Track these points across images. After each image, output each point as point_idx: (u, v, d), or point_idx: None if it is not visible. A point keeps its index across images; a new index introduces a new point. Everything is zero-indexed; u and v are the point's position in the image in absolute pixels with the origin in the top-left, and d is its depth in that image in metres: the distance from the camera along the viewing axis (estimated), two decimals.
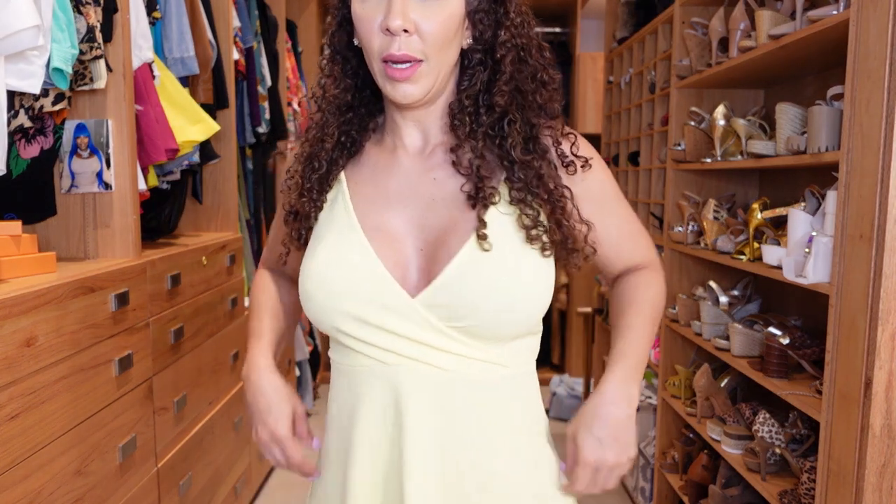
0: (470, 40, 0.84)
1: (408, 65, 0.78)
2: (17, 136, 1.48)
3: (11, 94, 1.37)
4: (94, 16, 1.50)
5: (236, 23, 2.52)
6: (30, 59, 1.33)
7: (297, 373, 3.26)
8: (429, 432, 0.81)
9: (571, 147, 0.86)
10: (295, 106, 3.28)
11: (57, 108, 1.47)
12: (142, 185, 1.73)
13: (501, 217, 0.82)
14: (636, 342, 0.88)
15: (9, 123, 1.38)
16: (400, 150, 0.88)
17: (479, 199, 0.81)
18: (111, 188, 1.64)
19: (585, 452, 0.82)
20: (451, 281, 0.79)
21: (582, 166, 0.86)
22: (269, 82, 2.84)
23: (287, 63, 3.20)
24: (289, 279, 1.03)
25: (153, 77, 1.82)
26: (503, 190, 0.83)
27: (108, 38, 1.57)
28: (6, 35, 1.25)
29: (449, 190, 0.84)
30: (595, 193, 0.88)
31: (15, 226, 1.36)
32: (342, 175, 0.90)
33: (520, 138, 0.83)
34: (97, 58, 1.52)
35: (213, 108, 2.27)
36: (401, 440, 0.81)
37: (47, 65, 1.36)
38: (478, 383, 0.83)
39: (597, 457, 0.82)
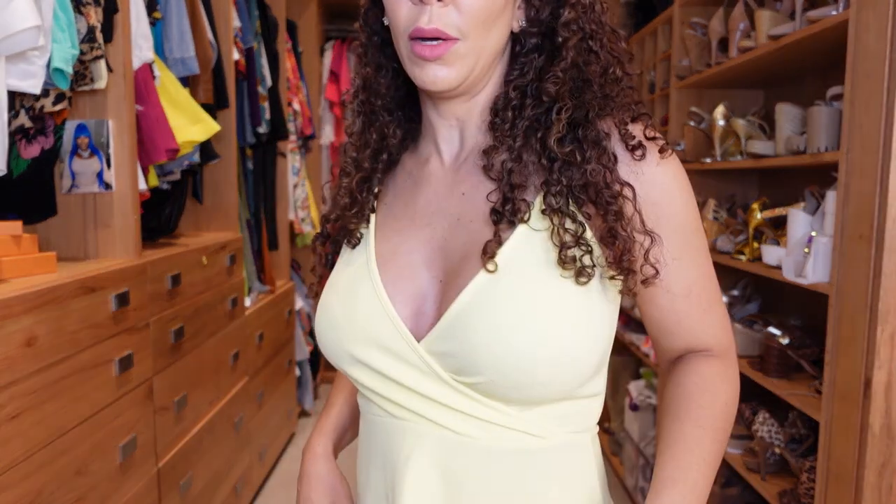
0: (523, 22, 0.67)
1: (438, 41, 0.62)
2: (18, 136, 1.48)
3: (12, 95, 1.37)
4: (95, 16, 1.50)
5: (236, 23, 2.52)
6: (30, 59, 1.33)
7: (298, 373, 3.26)
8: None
9: (646, 129, 0.66)
10: (295, 106, 3.28)
11: (57, 108, 1.47)
12: (142, 186, 1.73)
13: (531, 236, 0.63)
14: (694, 466, 0.63)
15: (9, 123, 1.39)
16: (433, 160, 0.72)
17: (503, 213, 0.64)
18: (111, 188, 1.64)
19: None
20: (454, 324, 0.62)
21: (660, 152, 0.65)
22: (269, 82, 2.84)
23: (287, 63, 3.20)
24: None
25: (153, 77, 1.82)
26: (539, 199, 0.65)
27: (108, 38, 1.57)
28: (7, 35, 1.25)
29: (478, 205, 0.67)
30: (662, 204, 0.65)
31: (15, 226, 1.37)
32: (375, 190, 0.76)
33: (564, 126, 0.64)
34: (98, 58, 1.52)
35: (214, 108, 2.27)
36: None
37: (48, 65, 1.37)
38: (497, 454, 0.65)
39: None
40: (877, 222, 1.31)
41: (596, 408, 0.70)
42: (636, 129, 0.65)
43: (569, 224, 0.62)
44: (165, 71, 1.96)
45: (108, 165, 1.63)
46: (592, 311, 0.62)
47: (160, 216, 2.07)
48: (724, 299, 2.15)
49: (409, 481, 0.66)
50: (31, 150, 1.51)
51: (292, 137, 3.25)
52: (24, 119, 1.42)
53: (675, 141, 2.35)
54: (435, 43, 0.62)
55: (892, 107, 1.27)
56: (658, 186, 0.64)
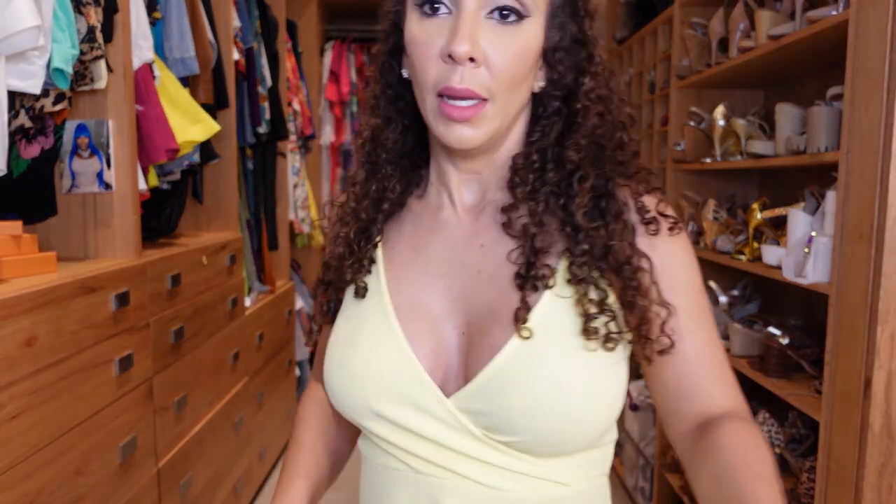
0: (543, 83, 0.69)
1: (470, 102, 0.63)
2: (18, 136, 1.48)
3: (12, 95, 1.37)
4: (95, 16, 1.50)
5: (236, 23, 2.52)
6: (30, 59, 1.33)
7: (298, 373, 3.26)
8: None
9: (658, 204, 0.68)
10: (295, 106, 3.28)
11: (57, 108, 1.47)
12: (142, 186, 1.73)
13: (557, 302, 0.65)
14: None
15: (9, 124, 1.39)
16: (447, 209, 0.73)
17: (528, 278, 0.65)
18: (111, 188, 1.64)
19: None
20: (488, 386, 0.63)
21: (670, 228, 0.67)
22: (269, 82, 2.84)
23: (287, 63, 3.20)
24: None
25: (153, 77, 1.82)
26: (562, 265, 0.66)
27: (108, 38, 1.57)
28: (7, 35, 1.25)
29: (498, 261, 0.68)
30: (675, 275, 0.67)
31: (15, 226, 1.37)
32: (375, 240, 0.76)
33: (588, 198, 0.66)
34: (98, 58, 1.52)
35: (214, 108, 2.27)
36: None
37: (48, 65, 1.37)
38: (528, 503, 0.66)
39: None
40: (877, 222, 1.31)
41: (612, 451, 0.73)
42: (650, 202, 0.68)
43: (593, 293, 0.65)
44: (165, 71, 1.96)
45: (108, 165, 1.63)
46: (615, 371, 0.65)
47: (160, 216, 2.07)
48: (724, 299, 2.15)
49: None
50: (31, 150, 1.51)
51: (292, 137, 3.25)
52: (24, 119, 1.42)
53: (675, 141, 2.35)
54: (465, 104, 0.63)
55: (892, 107, 1.27)
56: (671, 258, 0.67)
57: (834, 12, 1.49)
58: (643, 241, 0.66)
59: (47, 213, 1.61)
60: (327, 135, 3.83)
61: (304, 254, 3.78)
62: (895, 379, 1.33)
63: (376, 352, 0.68)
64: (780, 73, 2.07)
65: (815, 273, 1.53)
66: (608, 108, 0.69)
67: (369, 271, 0.74)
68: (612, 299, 0.65)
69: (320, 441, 0.79)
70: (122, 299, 1.51)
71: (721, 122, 2.09)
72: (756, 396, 2.09)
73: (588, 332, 0.63)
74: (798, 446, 1.79)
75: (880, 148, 1.30)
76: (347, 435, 0.82)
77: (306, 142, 3.51)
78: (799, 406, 1.61)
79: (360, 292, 0.73)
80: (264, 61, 2.81)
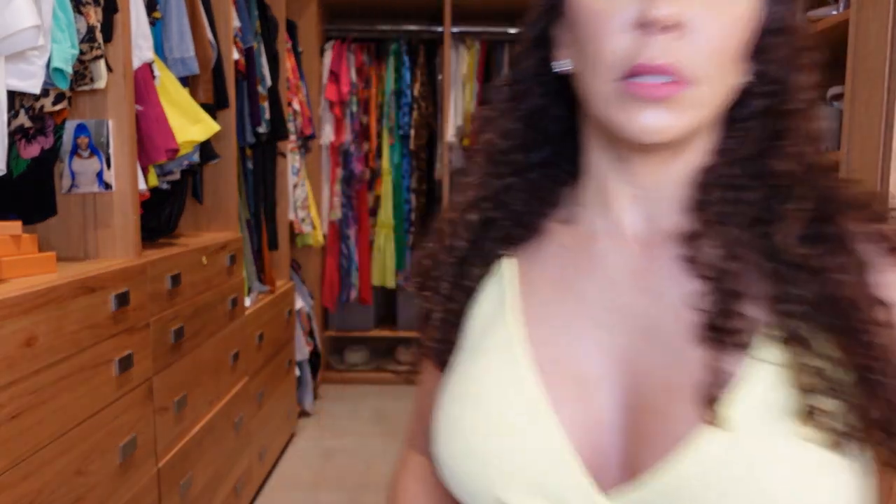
0: (749, 77, 0.53)
1: (668, 78, 0.47)
2: (18, 136, 1.48)
3: (12, 95, 1.37)
4: (95, 16, 1.50)
5: (236, 23, 2.52)
6: (30, 59, 1.33)
7: (298, 373, 3.26)
8: None
9: None
10: (295, 106, 3.28)
11: (57, 108, 1.47)
12: (142, 185, 1.73)
13: (760, 371, 0.46)
14: None
15: (9, 123, 1.38)
16: (604, 237, 0.55)
17: (723, 333, 0.47)
18: (111, 188, 1.64)
19: None
20: (671, 490, 0.45)
21: None
22: (269, 82, 2.84)
23: (287, 63, 3.20)
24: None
25: (153, 77, 1.82)
26: (765, 317, 0.48)
27: (108, 38, 1.57)
28: (6, 35, 1.25)
29: (678, 311, 0.51)
30: None
31: (15, 226, 1.36)
32: (504, 265, 0.59)
33: (800, 225, 0.48)
34: (97, 58, 1.52)
35: (214, 108, 2.27)
36: None
37: (47, 65, 1.37)
38: None
39: None
40: None
41: None
42: (890, 231, 0.50)
43: (813, 358, 0.45)
44: (165, 71, 1.96)
45: (108, 165, 1.63)
46: (848, 481, 0.44)
47: (160, 216, 2.07)
48: None
49: None
50: (31, 150, 1.51)
51: (292, 137, 3.25)
52: (23, 119, 1.42)
53: None
54: (660, 80, 0.47)
55: (892, 107, 1.27)
56: None
57: (834, 12, 1.49)
58: (885, 284, 0.47)
59: (47, 213, 1.61)
60: (327, 135, 3.83)
61: (304, 254, 3.78)
62: None
63: (509, 424, 0.51)
64: None
65: None
66: (814, 115, 0.53)
67: (485, 298, 0.58)
68: (840, 372, 0.45)
69: None
70: (122, 299, 1.51)
71: None
72: None
73: (807, 414, 0.44)
74: None
75: (880, 148, 1.30)
76: None
77: (306, 142, 3.51)
78: None
79: (480, 325, 0.56)
80: (264, 61, 2.81)
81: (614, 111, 0.49)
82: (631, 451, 0.48)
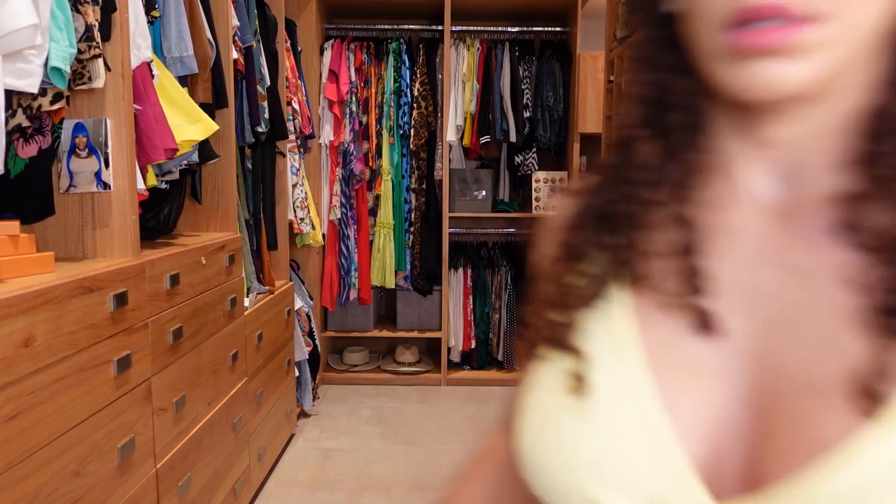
0: None
1: (780, 21, 0.37)
2: (15, 135, 1.48)
3: (9, 94, 1.37)
4: (93, 15, 1.50)
5: (235, 22, 2.52)
6: (28, 58, 1.32)
7: (297, 373, 3.26)
8: None
9: None
10: (294, 105, 3.27)
11: (55, 107, 1.46)
12: (140, 185, 1.72)
13: None
14: None
15: (7, 123, 1.38)
16: (730, 206, 0.46)
17: (892, 321, 0.38)
18: (110, 188, 1.63)
19: None
20: (822, 497, 0.36)
21: None
22: (268, 82, 2.83)
23: (286, 62, 3.20)
24: None
25: (152, 76, 1.81)
26: None
27: (106, 37, 1.57)
28: (4, 34, 1.24)
29: (829, 291, 0.41)
30: None
31: (13, 226, 1.36)
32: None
33: None
34: (95, 57, 1.51)
35: (212, 107, 2.26)
36: None
37: (45, 64, 1.36)
38: None
39: None
40: None
41: None
42: None
43: None
44: (164, 70, 1.95)
45: (107, 165, 1.62)
46: None
47: (159, 216, 2.06)
48: None
49: None
50: (29, 150, 1.50)
51: (291, 137, 3.24)
52: (21, 118, 1.41)
53: None
54: (773, 24, 0.38)
55: None
56: None
57: None
58: None
59: (45, 212, 1.60)
60: (326, 134, 3.83)
61: (303, 254, 3.77)
62: None
63: (607, 418, 0.44)
64: None
65: None
66: None
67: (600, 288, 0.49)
68: None
69: None
70: (121, 299, 1.50)
71: None
72: None
73: None
74: None
75: None
76: None
77: (305, 141, 3.51)
78: None
79: (592, 316, 0.47)
80: (263, 60, 2.81)
81: (721, 67, 0.41)
82: (755, 458, 0.40)
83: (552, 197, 0.58)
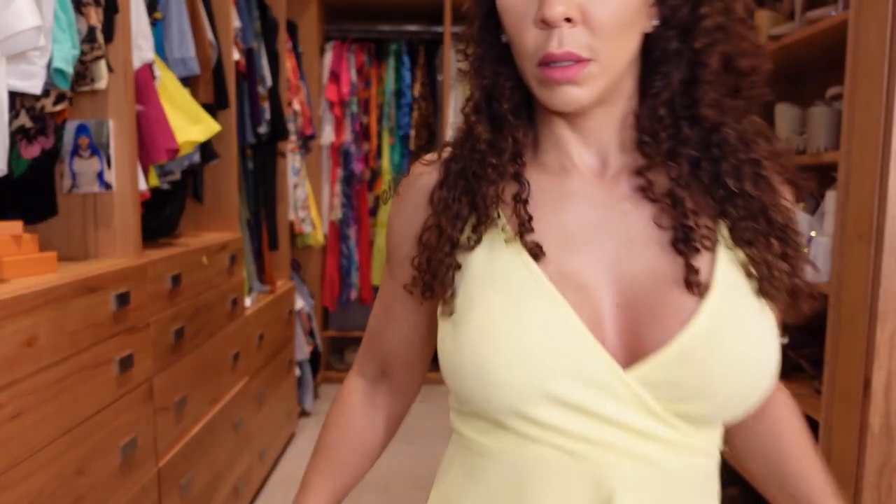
0: (657, 21, 0.61)
1: (570, 62, 0.58)
2: (19, 136, 1.49)
3: (13, 95, 1.37)
4: (95, 16, 1.51)
5: (237, 23, 2.53)
6: (31, 59, 1.33)
7: (298, 373, 3.26)
8: None
9: (793, 168, 0.66)
10: (295, 106, 3.28)
11: (58, 108, 1.47)
12: (142, 186, 1.73)
13: (729, 264, 0.62)
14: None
15: (10, 124, 1.39)
16: (573, 174, 0.66)
17: (691, 240, 0.61)
18: (112, 188, 1.64)
19: None
20: (686, 353, 0.58)
21: (800, 186, 0.67)
22: (269, 83, 2.84)
23: (287, 63, 3.21)
24: (386, 400, 0.80)
25: (154, 77, 1.82)
26: (722, 228, 0.63)
27: (108, 38, 1.58)
28: (8, 36, 1.25)
29: (645, 227, 0.63)
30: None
31: (16, 226, 1.37)
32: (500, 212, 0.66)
33: (739, 162, 0.62)
34: (98, 58, 1.52)
35: (214, 108, 2.27)
36: None
37: (48, 65, 1.37)
38: (686, 479, 0.62)
39: None
40: (877, 222, 1.31)
41: None
42: (787, 162, 0.65)
43: (758, 255, 0.61)
44: (166, 71, 1.96)
45: (109, 165, 1.63)
46: (775, 327, 0.63)
47: (160, 216, 2.07)
48: None
49: None
50: (32, 151, 1.51)
51: (292, 137, 3.25)
52: (24, 119, 1.42)
53: None
54: (566, 64, 0.58)
55: (892, 107, 1.27)
56: (798, 219, 0.67)
57: (834, 12, 1.49)
58: (786, 199, 0.65)
59: (48, 213, 1.61)
60: (327, 135, 3.84)
61: (304, 254, 3.78)
62: (895, 379, 1.33)
63: (538, 323, 0.59)
64: (779, 73, 2.07)
65: (814, 273, 1.53)
66: (730, 40, 0.61)
67: (479, 237, 0.65)
68: (771, 261, 0.61)
69: (348, 451, 0.80)
70: (123, 299, 1.51)
71: None
72: None
73: (762, 292, 0.61)
74: None
75: (880, 148, 1.30)
76: (383, 434, 0.81)
77: (306, 142, 3.51)
78: (798, 406, 1.61)
79: (483, 258, 0.64)
80: (264, 61, 2.81)
81: (538, 89, 0.62)
82: (628, 339, 0.60)
83: (415, 165, 0.69)
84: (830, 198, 1.50)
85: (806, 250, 0.65)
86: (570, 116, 0.64)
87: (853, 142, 1.37)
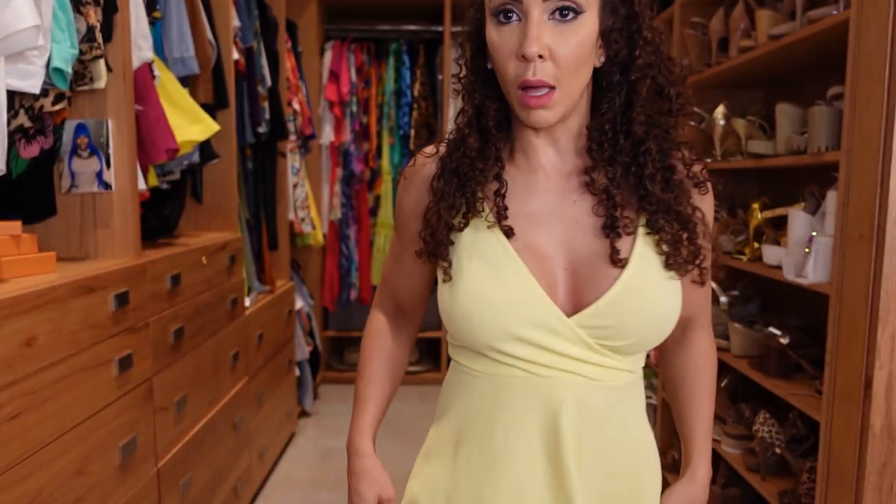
0: (604, 59, 0.83)
1: (543, 91, 0.78)
2: (17, 136, 1.48)
3: (11, 94, 1.37)
4: (94, 16, 1.50)
5: (236, 23, 2.52)
6: (30, 59, 1.33)
7: (298, 373, 3.26)
8: (583, 437, 0.85)
9: (702, 170, 0.88)
10: (295, 106, 3.28)
11: (57, 108, 1.47)
12: (142, 185, 1.73)
13: (645, 245, 0.84)
14: (710, 429, 1.00)
15: (9, 123, 1.38)
16: (539, 171, 0.88)
17: (616, 227, 0.83)
18: (111, 188, 1.64)
19: None
20: (612, 306, 0.82)
21: (709, 189, 0.90)
22: (269, 82, 2.84)
23: (287, 63, 3.20)
24: (405, 327, 1.05)
25: (153, 77, 1.82)
26: (642, 218, 0.85)
27: (108, 37, 1.57)
28: (6, 35, 1.25)
29: (588, 214, 0.85)
30: (707, 220, 0.90)
31: (15, 226, 1.36)
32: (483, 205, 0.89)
33: (656, 169, 0.83)
34: (97, 58, 1.52)
35: (214, 107, 2.27)
36: (559, 446, 0.84)
37: (47, 65, 1.36)
38: (615, 389, 0.87)
39: None
40: (877, 222, 1.31)
41: None
42: (698, 168, 0.87)
43: (668, 238, 0.83)
44: (165, 71, 1.96)
45: (108, 165, 1.63)
46: (679, 291, 0.86)
47: (160, 216, 2.07)
48: (724, 299, 2.15)
49: (567, 423, 0.84)
50: (31, 150, 1.51)
51: (292, 137, 3.25)
52: (23, 119, 1.42)
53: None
54: (540, 93, 0.78)
55: (892, 107, 1.27)
56: (708, 212, 0.89)
57: (834, 12, 1.49)
58: (695, 199, 0.86)
59: (47, 212, 1.61)
60: (327, 135, 3.83)
61: (304, 254, 3.78)
62: (895, 379, 1.33)
63: (508, 282, 0.83)
64: (780, 73, 2.07)
65: (815, 273, 1.53)
66: (659, 73, 0.83)
67: (465, 221, 0.88)
68: (678, 240, 0.84)
69: (389, 357, 1.03)
70: (122, 299, 1.51)
71: (721, 122, 2.09)
72: (756, 396, 2.09)
73: (669, 265, 0.83)
74: (798, 446, 1.79)
75: (880, 148, 1.30)
76: (407, 352, 1.06)
77: (306, 142, 3.51)
78: (799, 406, 1.61)
79: (471, 235, 0.87)
80: (264, 61, 2.81)
81: (519, 109, 0.82)
82: (577, 293, 0.84)
83: (417, 155, 0.88)
84: (831, 198, 1.50)
85: (708, 238, 0.88)
86: (539, 129, 0.85)
87: (854, 142, 1.37)
